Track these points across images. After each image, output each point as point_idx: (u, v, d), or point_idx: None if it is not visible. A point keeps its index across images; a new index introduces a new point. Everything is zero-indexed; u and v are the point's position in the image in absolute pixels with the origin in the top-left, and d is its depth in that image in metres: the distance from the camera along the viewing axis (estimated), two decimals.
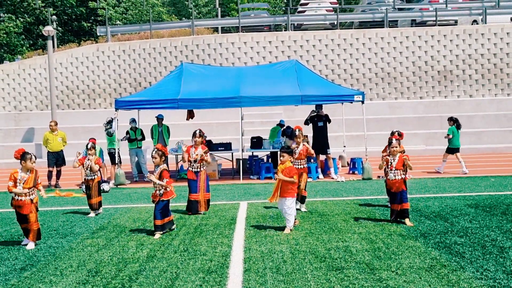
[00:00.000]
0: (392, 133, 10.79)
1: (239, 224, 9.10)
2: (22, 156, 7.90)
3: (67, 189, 14.50)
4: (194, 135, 10.40)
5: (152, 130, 16.27)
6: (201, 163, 10.24)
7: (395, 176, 8.78)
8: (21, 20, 40.74)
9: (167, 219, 8.58)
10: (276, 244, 7.56)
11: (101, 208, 10.65)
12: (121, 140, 15.89)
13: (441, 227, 8.36)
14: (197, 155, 10.20)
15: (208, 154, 10.32)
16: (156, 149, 8.61)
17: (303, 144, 10.24)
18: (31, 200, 7.93)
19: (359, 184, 13.92)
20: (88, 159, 10.46)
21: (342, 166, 17.10)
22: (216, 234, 8.38)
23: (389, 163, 8.83)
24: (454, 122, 15.44)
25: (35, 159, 8.01)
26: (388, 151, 9.39)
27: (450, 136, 15.26)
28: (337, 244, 7.46)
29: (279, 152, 9.36)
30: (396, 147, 8.81)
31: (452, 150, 15.39)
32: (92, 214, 10.35)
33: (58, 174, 15.13)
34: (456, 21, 27.04)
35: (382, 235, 7.93)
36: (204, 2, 42.98)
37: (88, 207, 10.57)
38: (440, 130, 21.78)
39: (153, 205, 8.59)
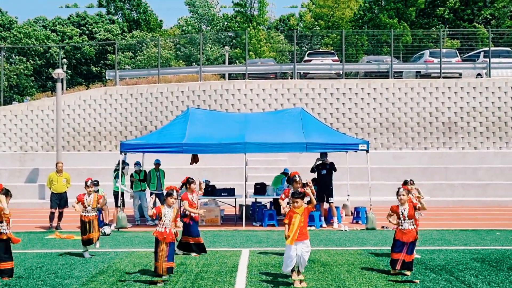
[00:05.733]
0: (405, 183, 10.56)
1: (240, 272, 8.95)
2: None
3: (67, 231, 14.38)
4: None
5: (150, 174, 16.13)
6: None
7: (409, 225, 8.68)
8: (32, 62, 41.51)
9: None
10: None
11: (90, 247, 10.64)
12: (130, 178, 15.94)
13: (446, 282, 8.19)
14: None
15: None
16: (174, 190, 8.70)
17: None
18: None
19: (363, 234, 13.75)
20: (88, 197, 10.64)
21: (345, 215, 16.93)
22: (217, 281, 8.23)
23: (401, 213, 8.74)
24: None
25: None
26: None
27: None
28: None
29: (279, 197, 9.47)
30: (404, 195, 8.77)
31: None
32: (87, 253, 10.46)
33: (60, 216, 15.05)
34: (460, 74, 27.31)
35: None
36: (214, 57, 43.82)
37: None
38: (445, 181, 21.66)
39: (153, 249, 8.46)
